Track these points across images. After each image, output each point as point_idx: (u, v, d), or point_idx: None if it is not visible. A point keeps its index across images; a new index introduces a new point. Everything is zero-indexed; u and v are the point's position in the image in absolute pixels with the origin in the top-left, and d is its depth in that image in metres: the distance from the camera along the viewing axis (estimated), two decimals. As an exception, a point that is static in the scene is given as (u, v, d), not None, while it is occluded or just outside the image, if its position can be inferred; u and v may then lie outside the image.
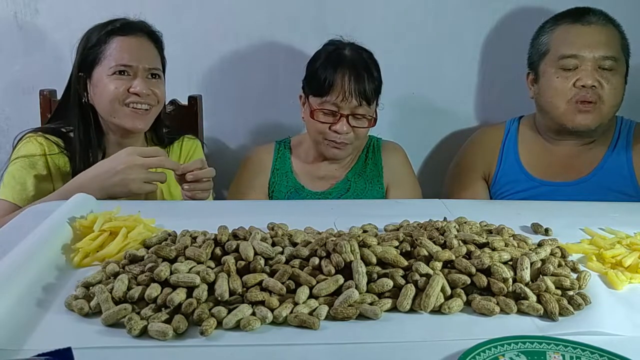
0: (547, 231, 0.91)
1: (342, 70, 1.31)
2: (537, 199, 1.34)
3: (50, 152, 1.25)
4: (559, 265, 0.73)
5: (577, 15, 1.35)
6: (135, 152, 1.08)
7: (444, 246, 0.73)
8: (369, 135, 1.51)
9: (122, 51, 1.24)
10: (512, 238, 0.80)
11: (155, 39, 1.32)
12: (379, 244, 0.73)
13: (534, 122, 1.48)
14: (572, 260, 0.77)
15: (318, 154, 1.44)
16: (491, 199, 1.49)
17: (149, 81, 1.27)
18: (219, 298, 0.62)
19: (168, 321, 0.59)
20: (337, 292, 0.65)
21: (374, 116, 1.37)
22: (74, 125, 1.28)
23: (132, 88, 1.24)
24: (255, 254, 0.69)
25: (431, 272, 0.67)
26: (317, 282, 0.65)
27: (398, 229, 0.85)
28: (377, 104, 1.39)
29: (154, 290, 0.62)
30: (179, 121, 1.55)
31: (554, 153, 1.43)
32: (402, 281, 0.66)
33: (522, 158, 1.46)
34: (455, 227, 0.80)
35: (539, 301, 0.65)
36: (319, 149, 1.40)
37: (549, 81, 1.35)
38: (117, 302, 0.61)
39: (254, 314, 0.60)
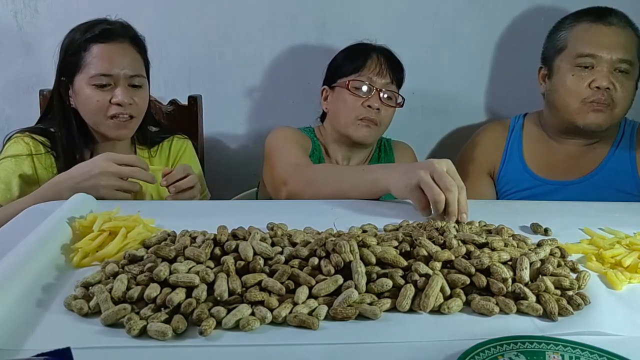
0: (546, 231, 0.91)
1: (375, 52, 1.42)
2: (540, 197, 1.34)
3: (37, 152, 1.25)
4: (559, 265, 0.73)
5: (599, 14, 1.34)
6: (111, 159, 1.08)
7: (443, 246, 0.73)
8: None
9: (102, 59, 1.22)
10: (511, 238, 0.80)
11: (137, 43, 1.29)
12: (378, 244, 0.73)
13: (538, 119, 1.48)
14: (571, 260, 0.77)
15: (342, 142, 1.45)
16: (496, 195, 1.48)
17: (131, 90, 1.26)
18: (219, 298, 0.62)
19: (167, 321, 0.59)
20: (337, 292, 0.64)
21: (402, 97, 1.44)
22: (58, 128, 1.28)
23: (114, 98, 1.23)
24: (255, 254, 0.69)
25: (430, 272, 0.67)
26: (317, 282, 0.65)
27: (397, 229, 0.85)
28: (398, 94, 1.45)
29: (153, 290, 0.62)
30: (179, 121, 1.55)
31: (558, 151, 1.43)
32: (401, 281, 0.66)
33: (526, 156, 1.46)
34: (454, 227, 0.81)
35: (538, 301, 0.65)
36: (348, 132, 1.41)
37: (563, 78, 1.34)
38: (116, 302, 0.61)
39: (253, 314, 0.60)
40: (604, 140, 1.40)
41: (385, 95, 1.40)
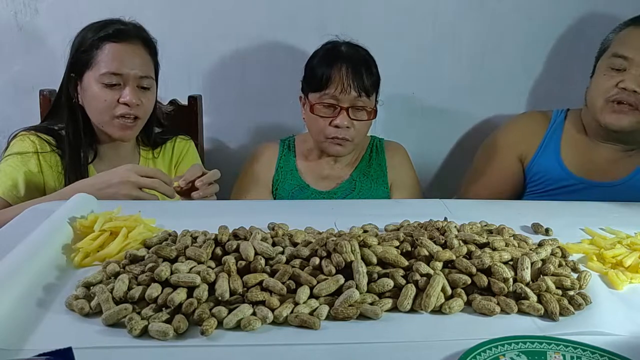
0: (547, 231, 0.91)
1: (340, 64, 1.33)
2: (568, 193, 1.33)
3: (42, 150, 1.26)
4: (560, 265, 0.73)
5: None
6: (134, 170, 1.08)
7: (444, 246, 0.73)
8: (371, 136, 1.51)
9: (114, 58, 1.23)
10: (512, 238, 0.80)
11: (149, 45, 1.30)
12: (379, 244, 0.73)
13: (579, 117, 1.47)
14: (572, 260, 0.77)
15: (321, 152, 1.44)
16: (524, 181, 1.46)
17: (139, 91, 1.26)
18: (220, 298, 0.62)
19: (169, 321, 0.59)
20: (338, 292, 0.65)
21: (374, 108, 1.38)
22: (65, 125, 1.28)
23: (122, 98, 1.23)
24: (256, 253, 0.69)
25: (432, 272, 0.67)
26: (318, 282, 0.65)
27: (398, 229, 0.85)
28: (376, 99, 1.40)
29: (154, 290, 0.62)
30: (179, 121, 1.55)
31: (595, 152, 1.41)
32: (402, 281, 0.66)
33: (563, 151, 1.43)
34: (455, 227, 0.81)
35: (539, 301, 0.65)
36: (322, 147, 1.40)
37: (596, 77, 1.36)
38: (117, 302, 0.61)
39: (254, 314, 0.60)
40: None
41: (355, 110, 1.34)
